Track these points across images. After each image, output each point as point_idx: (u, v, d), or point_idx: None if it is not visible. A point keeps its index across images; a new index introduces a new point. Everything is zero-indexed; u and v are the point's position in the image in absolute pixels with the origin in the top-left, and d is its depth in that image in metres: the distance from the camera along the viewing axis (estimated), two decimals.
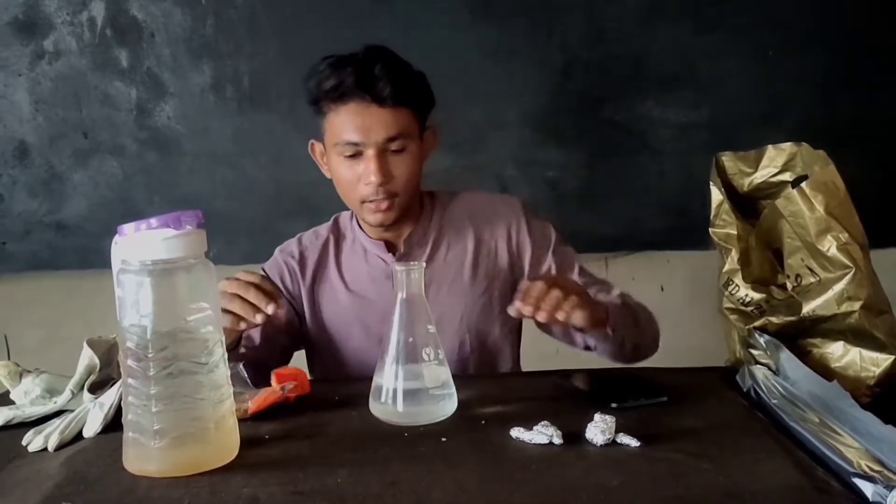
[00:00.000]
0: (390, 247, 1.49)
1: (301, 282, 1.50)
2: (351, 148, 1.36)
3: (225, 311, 1.18)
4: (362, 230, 1.50)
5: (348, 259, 1.51)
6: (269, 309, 1.16)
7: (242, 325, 1.20)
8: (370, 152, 1.35)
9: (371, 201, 1.38)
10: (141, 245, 0.90)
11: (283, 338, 1.49)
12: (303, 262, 1.51)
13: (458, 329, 1.47)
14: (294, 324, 1.51)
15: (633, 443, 0.95)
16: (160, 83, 2.23)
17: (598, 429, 0.96)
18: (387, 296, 1.43)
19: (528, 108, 2.24)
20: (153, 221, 0.90)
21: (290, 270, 1.51)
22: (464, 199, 1.55)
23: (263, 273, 1.50)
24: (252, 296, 1.17)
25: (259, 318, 1.17)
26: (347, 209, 1.54)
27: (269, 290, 1.19)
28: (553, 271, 1.49)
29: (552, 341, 1.48)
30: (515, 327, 1.54)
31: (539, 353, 1.62)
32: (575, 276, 1.48)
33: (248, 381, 1.16)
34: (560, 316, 1.16)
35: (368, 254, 1.49)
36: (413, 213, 1.49)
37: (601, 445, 0.95)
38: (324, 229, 1.55)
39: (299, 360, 1.55)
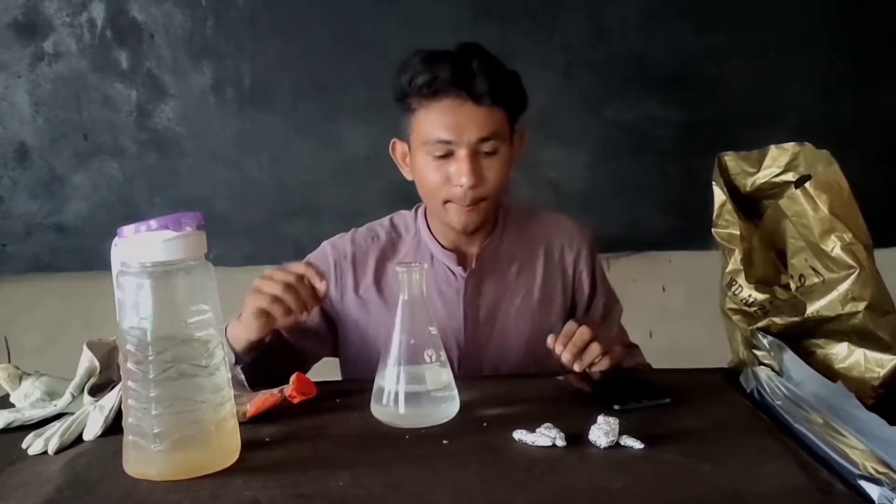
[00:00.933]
0: (460, 259, 1.43)
1: (350, 285, 1.44)
2: (442, 147, 1.30)
3: (275, 299, 1.18)
4: (432, 235, 1.44)
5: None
6: (315, 311, 1.21)
7: (289, 320, 1.20)
8: (462, 153, 1.29)
9: (457, 204, 1.33)
10: (140, 247, 0.89)
11: (308, 343, 1.44)
12: (356, 264, 1.44)
13: (523, 352, 1.43)
14: (321, 332, 1.46)
15: (637, 444, 0.94)
16: (160, 84, 2.23)
17: (602, 430, 0.96)
18: (451, 308, 1.42)
19: (529, 108, 2.23)
20: (153, 223, 0.89)
21: (340, 273, 1.44)
22: (540, 219, 1.52)
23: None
24: (304, 291, 1.18)
25: (304, 317, 1.19)
26: (362, 214, 1.53)
27: (318, 282, 1.20)
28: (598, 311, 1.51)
29: None
30: None
31: None
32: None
33: (245, 384, 1.16)
34: (591, 369, 1.23)
35: (435, 261, 1.43)
36: (489, 223, 1.44)
37: (605, 448, 0.95)
38: (382, 230, 1.47)
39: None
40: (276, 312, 1.19)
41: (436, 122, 1.29)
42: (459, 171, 1.30)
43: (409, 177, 1.40)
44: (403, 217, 1.50)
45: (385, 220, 1.50)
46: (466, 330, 1.42)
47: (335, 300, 1.45)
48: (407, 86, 1.31)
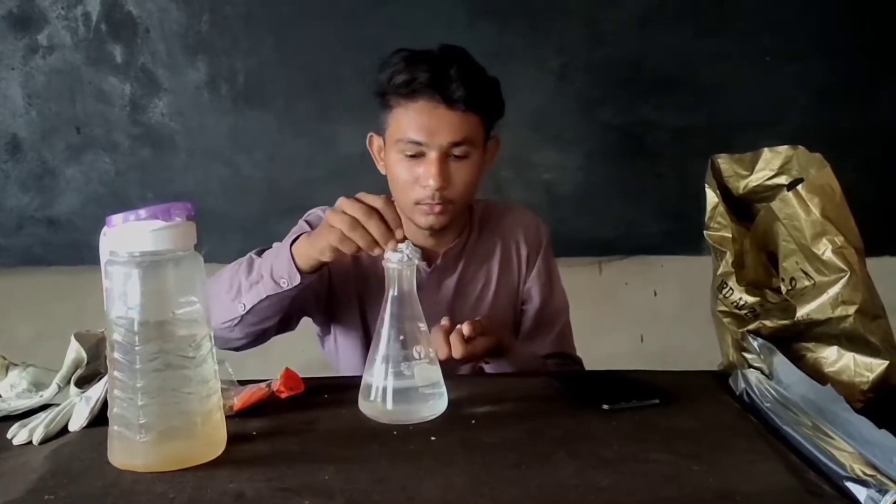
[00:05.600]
0: (426, 255, 1.44)
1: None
2: (413, 147, 1.32)
3: (345, 238, 1.12)
4: None
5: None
6: (390, 245, 1.09)
7: (360, 253, 1.14)
8: (433, 155, 1.32)
9: (425, 204, 1.35)
10: (129, 236, 0.89)
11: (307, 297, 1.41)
12: None
13: None
14: (322, 279, 1.42)
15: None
16: (154, 79, 2.22)
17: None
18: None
19: (524, 110, 2.24)
20: (142, 212, 0.89)
21: None
22: (500, 216, 1.54)
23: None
24: (376, 228, 1.10)
25: (376, 252, 1.11)
26: None
27: (392, 219, 1.11)
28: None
29: None
30: None
31: None
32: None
33: (233, 377, 1.15)
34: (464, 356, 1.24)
35: None
36: (458, 224, 1.47)
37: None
38: None
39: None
40: (348, 249, 1.13)
41: (410, 122, 1.32)
42: (428, 173, 1.32)
43: (382, 171, 1.43)
44: None
45: None
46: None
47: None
48: (386, 83, 1.34)
